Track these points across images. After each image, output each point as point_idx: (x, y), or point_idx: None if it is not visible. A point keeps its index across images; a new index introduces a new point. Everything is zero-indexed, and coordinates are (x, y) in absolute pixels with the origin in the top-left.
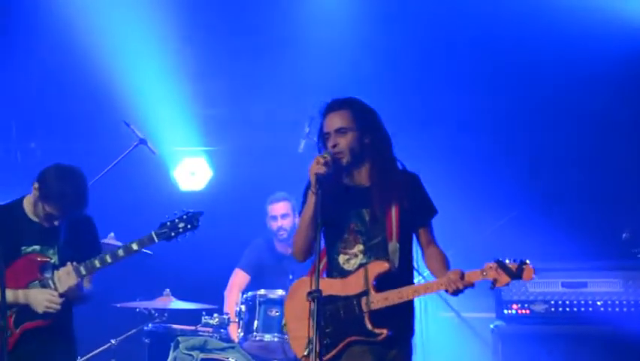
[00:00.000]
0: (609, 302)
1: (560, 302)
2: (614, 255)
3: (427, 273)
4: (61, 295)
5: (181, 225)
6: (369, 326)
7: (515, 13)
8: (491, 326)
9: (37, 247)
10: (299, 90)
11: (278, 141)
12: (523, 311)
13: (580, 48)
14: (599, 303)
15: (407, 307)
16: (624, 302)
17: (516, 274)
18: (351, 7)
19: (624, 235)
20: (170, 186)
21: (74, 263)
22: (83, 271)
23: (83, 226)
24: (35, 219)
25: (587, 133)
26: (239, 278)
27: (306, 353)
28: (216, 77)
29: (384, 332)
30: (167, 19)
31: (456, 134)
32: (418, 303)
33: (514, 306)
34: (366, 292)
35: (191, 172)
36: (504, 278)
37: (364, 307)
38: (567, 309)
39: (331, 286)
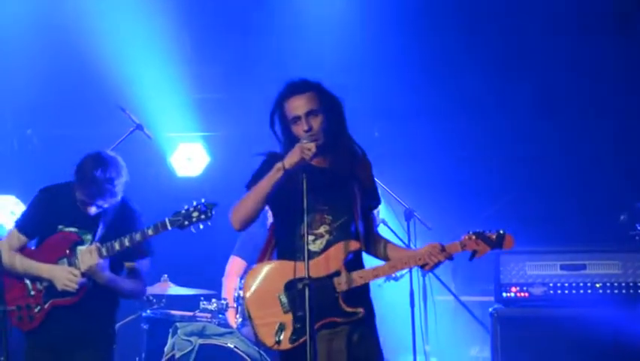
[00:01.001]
0: (608, 284)
1: (558, 285)
2: (612, 238)
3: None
4: (83, 275)
5: (195, 214)
6: (344, 307)
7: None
8: (490, 309)
9: (73, 229)
10: (295, 74)
11: (257, 125)
12: (522, 294)
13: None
14: (597, 285)
15: (369, 287)
16: (623, 284)
17: (496, 243)
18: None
19: (622, 218)
20: (166, 172)
21: (97, 243)
22: (104, 251)
23: (128, 220)
24: (83, 207)
25: (583, 116)
26: (236, 265)
27: (277, 339)
28: (213, 62)
29: (361, 310)
30: (163, 4)
31: (448, 120)
32: (415, 286)
33: (513, 289)
34: (337, 273)
35: (188, 158)
36: (484, 248)
37: (337, 288)
38: (566, 292)
39: (299, 269)
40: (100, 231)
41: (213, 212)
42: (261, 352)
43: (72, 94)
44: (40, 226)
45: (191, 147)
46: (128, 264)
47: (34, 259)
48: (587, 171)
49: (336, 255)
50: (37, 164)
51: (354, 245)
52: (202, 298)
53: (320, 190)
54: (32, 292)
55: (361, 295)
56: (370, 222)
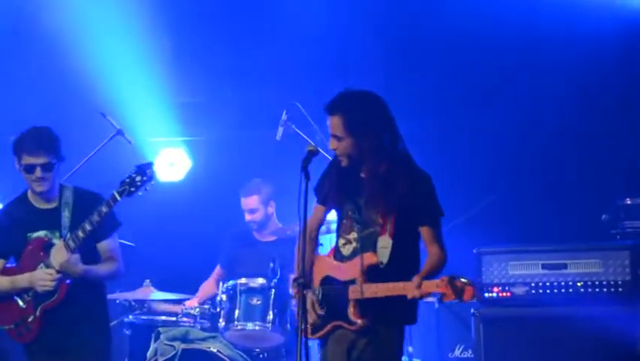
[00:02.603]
0: (589, 283)
1: (540, 284)
2: (593, 236)
3: None
4: (58, 272)
5: (138, 178)
6: (350, 314)
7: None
8: (472, 310)
9: (42, 232)
10: (277, 79)
11: (256, 130)
12: (504, 294)
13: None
14: (579, 284)
15: (389, 301)
16: (604, 283)
17: (458, 293)
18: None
19: (603, 217)
20: None
21: (64, 238)
22: (71, 244)
23: (88, 203)
24: (38, 205)
25: (566, 115)
26: (216, 272)
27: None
28: (194, 67)
29: (359, 322)
30: (144, 7)
31: (434, 117)
32: None
33: (495, 289)
34: (353, 281)
35: (170, 163)
36: (450, 295)
37: (350, 295)
38: (547, 291)
39: (333, 268)
40: (66, 223)
41: (154, 169)
42: (244, 355)
43: (51, 99)
44: (10, 243)
45: (174, 151)
46: (99, 245)
47: (15, 274)
48: (568, 170)
49: (357, 264)
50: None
51: (371, 259)
52: (184, 302)
53: (353, 197)
54: (23, 306)
55: (376, 307)
56: (412, 235)
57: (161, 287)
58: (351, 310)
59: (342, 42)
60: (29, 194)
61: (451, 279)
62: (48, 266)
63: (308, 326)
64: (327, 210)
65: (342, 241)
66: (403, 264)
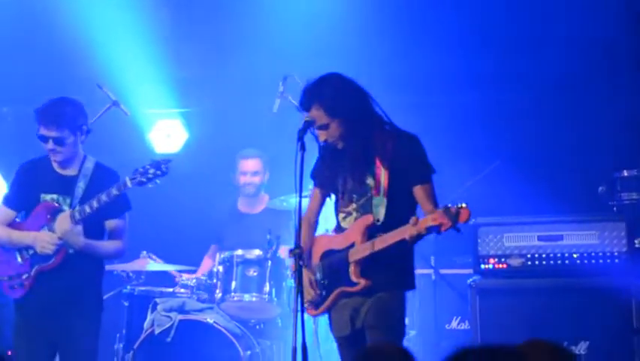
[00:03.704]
0: (585, 254)
1: (536, 255)
2: (589, 208)
3: None
4: (60, 239)
5: (151, 171)
6: (351, 276)
7: None
8: (469, 281)
9: (54, 196)
10: (272, 50)
11: (252, 102)
12: (500, 265)
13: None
14: (575, 255)
15: (390, 261)
16: (600, 254)
17: (454, 218)
18: None
19: (600, 189)
20: (145, 148)
21: (72, 209)
22: (77, 215)
23: (106, 180)
24: (58, 170)
25: (561, 89)
26: (211, 250)
27: (306, 305)
28: (190, 39)
29: (362, 282)
30: None
31: (435, 91)
32: None
33: (491, 260)
34: (353, 245)
35: (167, 134)
36: (447, 223)
37: (350, 258)
38: (544, 262)
39: (331, 242)
40: (79, 193)
41: (168, 166)
42: (241, 326)
43: (46, 71)
44: (24, 199)
45: (170, 123)
46: (107, 223)
47: (22, 229)
48: (566, 141)
49: (354, 229)
50: (13, 141)
51: (367, 220)
52: (182, 273)
53: (346, 173)
54: (20, 261)
55: (377, 266)
56: (408, 195)
57: (159, 257)
58: (352, 269)
59: (338, 16)
60: (52, 162)
61: (445, 208)
62: (51, 230)
63: (308, 302)
64: (326, 193)
65: (341, 216)
66: (399, 219)
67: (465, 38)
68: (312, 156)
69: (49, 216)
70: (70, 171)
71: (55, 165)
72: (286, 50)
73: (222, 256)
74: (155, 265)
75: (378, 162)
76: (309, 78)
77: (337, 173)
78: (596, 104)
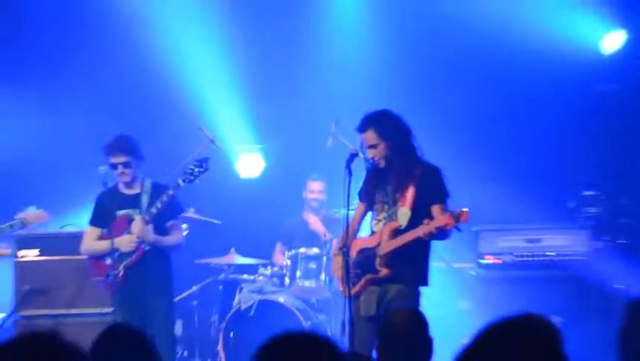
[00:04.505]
0: (560, 253)
1: (522, 253)
2: (562, 218)
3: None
4: (137, 238)
5: (196, 170)
6: (377, 266)
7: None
8: (472, 272)
9: (126, 210)
10: (328, 97)
11: (313, 137)
12: (495, 261)
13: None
14: (552, 254)
15: (409, 255)
16: (570, 253)
17: (457, 218)
18: (364, 37)
19: (570, 204)
20: (233, 175)
21: (141, 215)
22: (146, 217)
23: (161, 191)
24: (125, 192)
25: (538, 109)
26: (277, 248)
27: (342, 289)
28: (265, 90)
29: (384, 270)
30: (229, 44)
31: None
32: None
33: (489, 257)
34: (380, 243)
35: (249, 164)
36: (452, 223)
37: (377, 252)
38: (528, 258)
39: (365, 242)
40: (144, 205)
41: (208, 164)
42: (303, 304)
43: (157, 114)
44: (104, 218)
45: (252, 155)
46: (168, 223)
47: (108, 239)
48: (544, 168)
49: (383, 232)
50: None
51: (392, 225)
52: (260, 265)
53: (383, 185)
54: (110, 262)
55: (398, 260)
56: (427, 212)
57: (243, 253)
58: (378, 261)
59: (377, 70)
60: (120, 184)
61: (450, 212)
62: (129, 233)
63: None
64: (367, 208)
65: (374, 223)
66: (415, 228)
67: (468, 71)
68: (356, 180)
69: (126, 225)
70: (134, 190)
71: (122, 188)
72: (338, 97)
73: (290, 253)
74: (240, 258)
75: (408, 182)
76: (355, 120)
77: (377, 187)
78: (570, 137)
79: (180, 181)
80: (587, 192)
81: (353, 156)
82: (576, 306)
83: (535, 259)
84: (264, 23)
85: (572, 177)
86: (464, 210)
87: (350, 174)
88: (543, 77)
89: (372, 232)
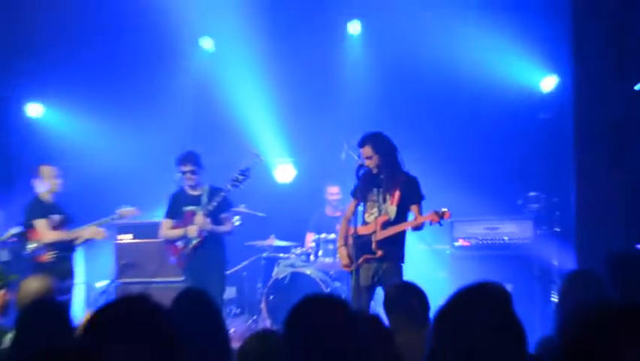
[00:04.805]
0: (511, 238)
1: (485, 238)
2: (513, 211)
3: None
4: (199, 227)
5: (240, 178)
6: (373, 248)
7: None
8: (447, 252)
9: (191, 207)
10: (342, 121)
11: (330, 153)
12: (465, 243)
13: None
14: (505, 238)
15: (395, 241)
16: (519, 238)
17: (441, 216)
18: (369, 75)
19: (519, 201)
20: (272, 180)
21: (202, 210)
22: (205, 212)
23: (217, 193)
24: (190, 193)
25: (493, 133)
26: (308, 238)
27: (344, 264)
28: (296, 116)
29: (379, 252)
30: (268, 81)
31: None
32: (410, 240)
33: (460, 240)
34: (375, 231)
35: (284, 172)
36: (436, 219)
37: (373, 238)
38: (489, 242)
39: (361, 229)
40: (204, 203)
41: (249, 173)
42: (325, 275)
43: (217, 134)
44: (175, 212)
45: (286, 166)
46: (222, 215)
47: (179, 228)
48: (500, 173)
49: (376, 223)
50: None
51: (384, 217)
52: (292, 247)
53: (374, 188)
54: (182, 245)
55: (387, 245)
56: (408, 209)
57: (280, 238)
58: (373, 245)
59: (374, 103)
60: (186, 187)
61: (435, 211)
62: (194, 224)
63: (346, 263)
64: (358, 203)
65: (367, 215)
66: (401, 220)
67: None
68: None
69: (192, 218)
70: (197, 192)
71: (188, 190)
72: (349, 121)
73: (314, 238)
74: (277, 241)
75: (395, 187)
76: (364, 138)
77: (371, 187)
78: (519, 148)
79: (229, 186)
80: (530, 193)
81: (360, 166)
82: (523, 276)
83: (494, 242)
84: (297, 65)
85: (520, 182)
86: (446, 210)
87: (358, 179)
88: (499, 107)
89: (365, 222)
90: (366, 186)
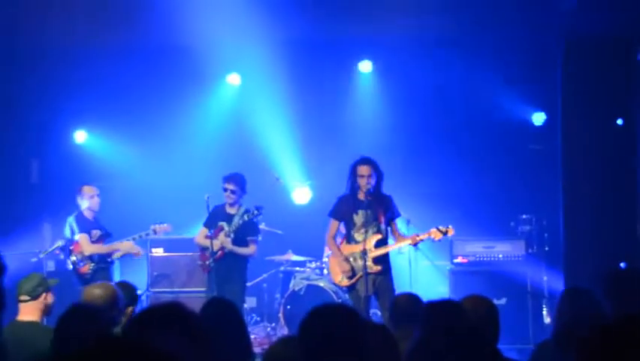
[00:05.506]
0: (505, 256)
1: (482, 255)
2: (507, 232)
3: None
4: (221, 243)
5: (255, 212)
6: (370, 265)
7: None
8: (448, 267)
9: (223, 223)
10: (350, 149)
11: (341, 178)
12: (464, 260)
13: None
14: (500, 256)
15: (388, 257)
16: (512, 256)
17: (444, 233)
18: (375, 106)
19: (511, 224)
20: (291, 201)
21: (227, 228)
22: (228, 232)
23: (246, 215)
24: (228, 210)
25: (489, 162)
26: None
27: (339, 279)
28: (312, 146)
29: (375, 268)
30: (289, 115)
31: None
32: (410, 256)
33: (460, 258)
34: (369, 248)
35: (301, 194)
36: (438, 235)
37: (368, 255)
38: (485, 259)
39: (352, 248)
40: (235, 222)
41: (262, 210)
42: (336, 287)
43: (244, 160)
44: (212, 223)
45: (304, 189)
46: (248, 238)
47: (211, 239)
48: (497, 199)
49: (370, 240)
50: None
51: (376, 236)
52: (308, 261)
53: (360, 210)
54: (208, 254)
55: (382, 260)
56: (391, 225)
57: (297, 253)
58: (369, 263)
59: (374, 131)
60: (226, 204)
61: (438, 228)
62: (218, 239)
63: (340, 279)
64: (339, 223)
65: (356, 234)
66: (387, 237)
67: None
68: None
69: (220, 233)
70: (233, 210)
71: (227, 207)
72: (357, 148)
73: (327, 253)
74: (294, 256)
75: (382, 207)
76: (369, 158)
77: (355, 208)
78: (509, 170)
79: (246, 217)
80: (523, 216)
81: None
82: (516, 291)
83: (490, 259)
84: (314, 98)
85: (513, 207)
86: (450, 227)
87: (338, 200)
88: (495, 138)
89: (353, 239)
90: (347, 208)
